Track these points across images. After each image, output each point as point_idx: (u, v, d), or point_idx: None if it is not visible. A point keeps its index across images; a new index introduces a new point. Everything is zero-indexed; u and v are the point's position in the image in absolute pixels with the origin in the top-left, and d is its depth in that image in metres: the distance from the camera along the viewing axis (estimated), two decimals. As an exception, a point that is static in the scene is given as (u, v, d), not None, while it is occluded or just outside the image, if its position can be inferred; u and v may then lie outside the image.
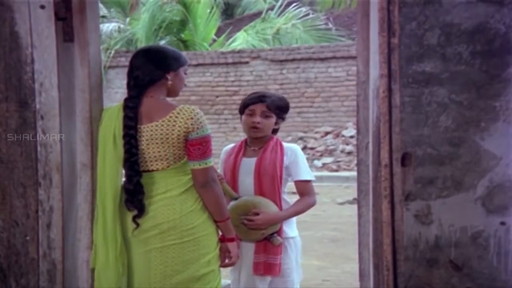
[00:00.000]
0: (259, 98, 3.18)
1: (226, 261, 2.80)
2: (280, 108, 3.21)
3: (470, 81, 2.69)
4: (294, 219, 3.24)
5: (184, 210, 2.65)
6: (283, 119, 3.25)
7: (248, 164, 3.17)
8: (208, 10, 16.64)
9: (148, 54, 2.75)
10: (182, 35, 16.79)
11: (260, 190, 3.12)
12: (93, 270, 2.72)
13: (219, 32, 17.36)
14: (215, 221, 2.72)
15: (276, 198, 3.11)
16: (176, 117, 2.62)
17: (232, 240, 2.77)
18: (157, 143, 2.63)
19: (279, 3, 16.63)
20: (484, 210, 2.72)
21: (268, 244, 3.09)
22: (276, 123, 3.21)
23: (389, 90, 2.37)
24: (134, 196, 2.63)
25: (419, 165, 2.65)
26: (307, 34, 15.79)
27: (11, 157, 2.75)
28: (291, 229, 3.18)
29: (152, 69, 2.69)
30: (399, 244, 2.42)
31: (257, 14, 17.68)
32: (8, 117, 2.75)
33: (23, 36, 2.72)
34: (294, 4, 16.54)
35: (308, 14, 16.21)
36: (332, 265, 5.77)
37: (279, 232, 3.10)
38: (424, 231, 2.68)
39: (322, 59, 14.26)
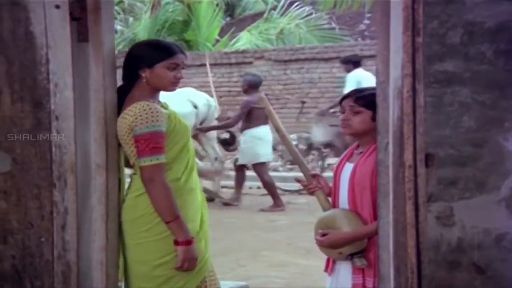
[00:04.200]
0: (348, 93, 2.85)
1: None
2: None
3: (493, 80, 2.65)
4: None
5: (137, 214, 2.72)
6: None
7: (348, 170, 2.79)
8: (212, 10, 16.59)
9: (127, 53, 2.84)
10: (185, 35, 16.74)
11: (353, 202, 2.73)
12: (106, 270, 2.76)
13: (222, 32, 17.31)
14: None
15: (366, 212, 2.70)
16: (127, 113, 2.67)
17: (178, 243, 2.66)
18: (121, 140, 2.74)
19: (281, 3, 16.59)
20: (508, 211, 2.67)
21: None
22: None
23: (413, 90, 2.34)
24: None
25: (441, 166, 2.60)
26: (311, 34, 15.76)
27: (25, 158, 2.73)
28: None
29: (126, 70, 2.79)
30: (423, 246, 2.38)
31: (260, 14, 17.63)
32: (23, 117, 2.73)
33: (38, 36, 2.70)
34: (296, 3, 16.49)
35: (311, 14, 16.16)
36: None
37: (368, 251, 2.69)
38: (446, 233, 2.63)
39: (326, 60, 14.21)
